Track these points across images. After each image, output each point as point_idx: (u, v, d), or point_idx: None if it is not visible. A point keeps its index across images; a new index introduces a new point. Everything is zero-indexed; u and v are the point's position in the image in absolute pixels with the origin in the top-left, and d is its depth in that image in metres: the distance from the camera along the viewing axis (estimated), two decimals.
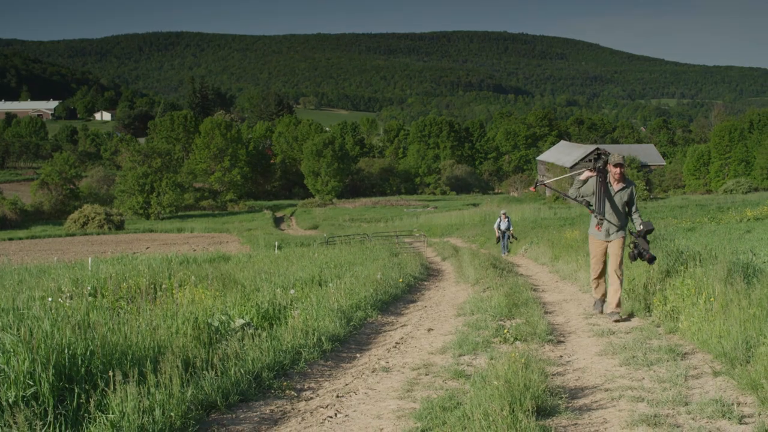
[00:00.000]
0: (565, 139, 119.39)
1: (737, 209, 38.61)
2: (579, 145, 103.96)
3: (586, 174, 10.00)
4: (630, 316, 9.91)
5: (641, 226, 9.75)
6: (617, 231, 9.93)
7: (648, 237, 10.16)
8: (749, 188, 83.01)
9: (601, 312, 10.32)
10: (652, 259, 9.68)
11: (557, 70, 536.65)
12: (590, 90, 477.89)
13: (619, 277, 9.83)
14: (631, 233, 9.98)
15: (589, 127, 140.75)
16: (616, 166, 9.76)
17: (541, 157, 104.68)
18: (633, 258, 9.82)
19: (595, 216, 9.82)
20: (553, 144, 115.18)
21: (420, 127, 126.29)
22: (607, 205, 9.86)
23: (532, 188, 10.36)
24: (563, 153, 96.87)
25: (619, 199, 9.86)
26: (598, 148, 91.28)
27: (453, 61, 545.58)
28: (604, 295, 10.37)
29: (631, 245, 9.89)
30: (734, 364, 6.35)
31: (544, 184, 10.69)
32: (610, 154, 9.94)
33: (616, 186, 9.87)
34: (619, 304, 9.84)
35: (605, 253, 10.08)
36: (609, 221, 9.86)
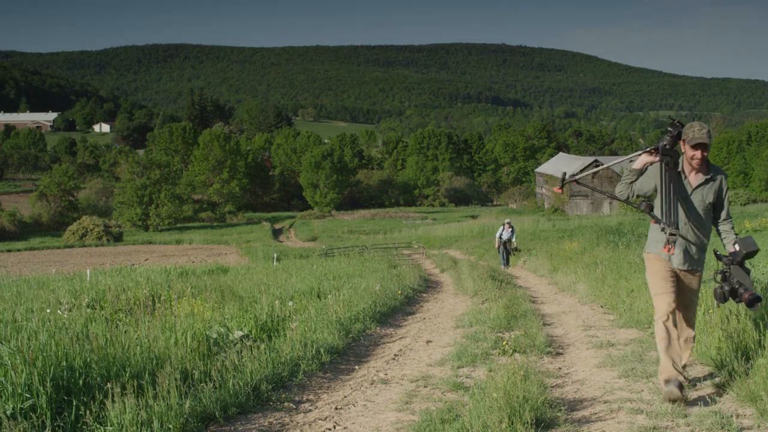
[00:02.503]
0: (564, 151, 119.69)
1: (736, 221, 38.64)
2: (577, 157, 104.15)
3: (644, 159, 6.24)
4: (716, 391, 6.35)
5: (736, 246, 6.04)
6: (699, 252, 6.32)
7: (746, 262, 6.22)
8: (747, 200, 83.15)
9: (682, 395, 5.89)
10: (754, 302, 5.83)
11: (555, 82, 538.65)
12: (589, 102, 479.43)
13: (693, 321, 6.56)
14: (718, 257, 6.21)
15: (587, 139, 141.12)
16: (696, 147, 6.03)
17: (539, 169, 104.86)
18: (722, 298, 6.03)
19: (662, 228, 5.89)
20: (552, 156, 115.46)
21: (419, 139, 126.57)
22: (680, 210, 6.18)
23: (557, 189, 6.81)
24: (562, 165, 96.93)
25: (700, 198, 6.19)
26: (593, 157, 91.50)
27: (451, 73, 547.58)
28: (678, 374, 6.03)
29: (719, 276, 6.09)
30: (733, 376, 6.34)
31: (576, 181, 6.76)
32: (684, 125, 6.16)
33: (694, 178, 6.20)
34: (683, 365, 6.34)
35: (677, 280, 6.35)
36: (684, 238, 6.16)
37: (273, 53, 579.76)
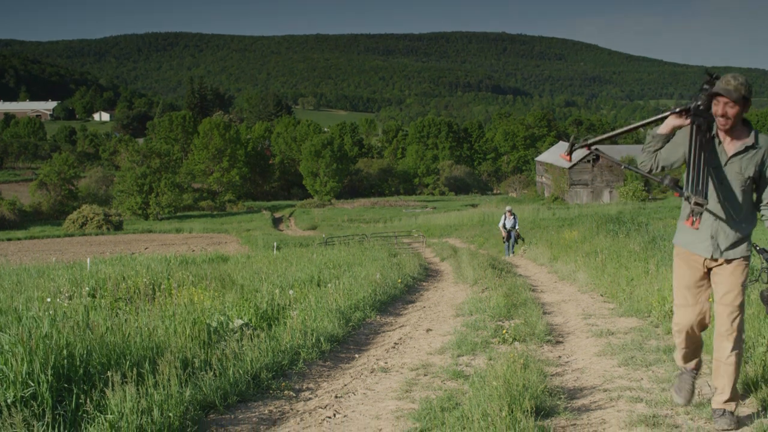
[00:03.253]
0: (564, 140, 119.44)
1: None
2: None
3: (671, 122, 5.09)
4: None
5: None
6: (736, 241, 5.01)
7: None
8: None
9: (691, 396, 5.42)
10: None
11: (556, 71, 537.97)
12: (589, 90, 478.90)
13: (736, 343, 5.04)
14: (760, 251, 5.11)
15: (587, 128, 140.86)
16: (717, 98, 4.86)
17: (539, 158, 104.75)
18: None
19: (686, 197, 4.73)
20: (552, 144, 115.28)
21: (419, 128, 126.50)
22: (712, 184, 4.97)
23: (564, 155, 5.55)
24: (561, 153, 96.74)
25: (737, 171, 4.94)
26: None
27: (451, 61, 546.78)
28: (698, 364, 5.54)
29: (766, 275, 5.11)
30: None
31: (587, 146, 5.47)
32: (718, 79, 4.94)
33: (729, 145, 4.96)
34: (734, 396, 5.10)
35: (706, 283, 5.23)
36: (717, 216, 5.00)
37: (273, 42, 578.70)
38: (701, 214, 4.66)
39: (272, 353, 7.50)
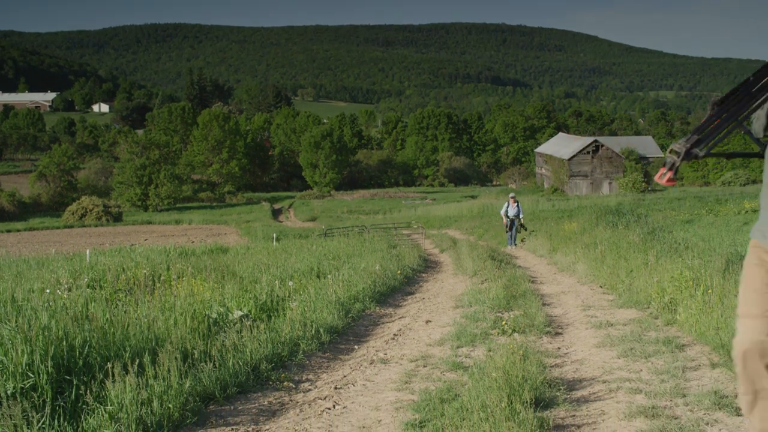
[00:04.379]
0: (563, 131, 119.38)
1: (735, 201, 38.63)
2: (577, 137, 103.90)
3: None
4: None
5: None
6: None
7: None
8: (747, 180, 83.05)
9: None
10: None
11: (555, 62, 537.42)
12: (588, 82, 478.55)
13: None
14: None
15: (587, 119, 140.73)
16: None
17: (539, 149, 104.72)
18: None
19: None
20: (552, 136, 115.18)
21: (418, 119, 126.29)
22: None
23: (661, 178, 3.43)
24: (561, 145, 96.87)
25: None
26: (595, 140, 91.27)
27: (451, 52, 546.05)
28: None
29: None
30: (732, 356, 6.33)
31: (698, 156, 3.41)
32: None
33: None
34: None
35: None
36: None
37: (272, 33, 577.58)
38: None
39: (272, 344, 7.50)
